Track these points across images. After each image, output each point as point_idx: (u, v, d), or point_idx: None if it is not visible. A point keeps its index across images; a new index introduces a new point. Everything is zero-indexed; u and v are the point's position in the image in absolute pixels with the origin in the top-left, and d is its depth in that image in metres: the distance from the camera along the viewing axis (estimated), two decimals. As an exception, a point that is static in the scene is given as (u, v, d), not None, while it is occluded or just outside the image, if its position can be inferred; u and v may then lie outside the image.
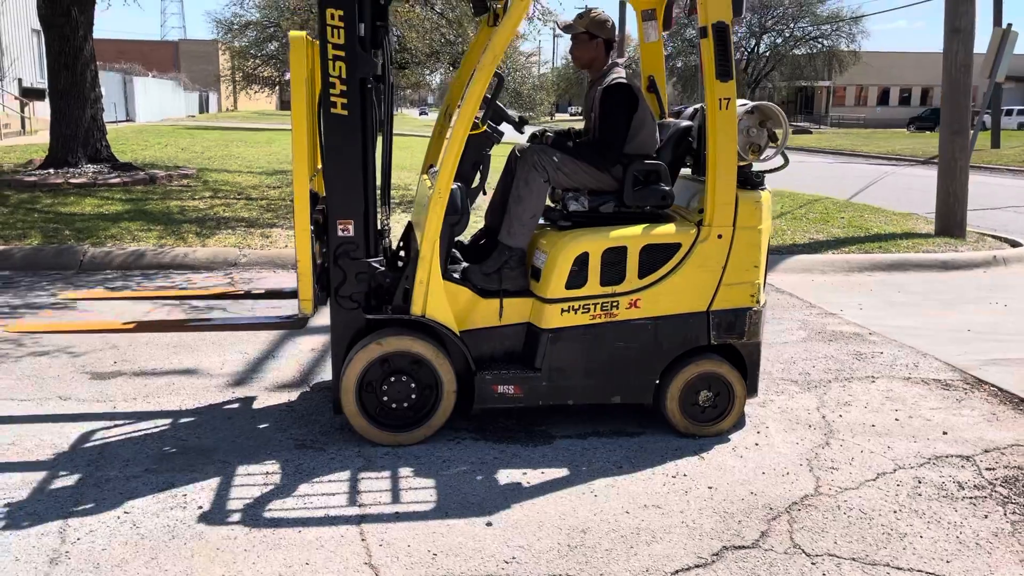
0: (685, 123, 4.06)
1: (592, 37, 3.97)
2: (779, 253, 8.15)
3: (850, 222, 10.04)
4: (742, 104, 3.83)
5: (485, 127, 3.80)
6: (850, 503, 3.26)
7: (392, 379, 3.65)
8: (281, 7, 33.14)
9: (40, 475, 3.31)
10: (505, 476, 3.42)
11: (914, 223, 10.26)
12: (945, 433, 3.99)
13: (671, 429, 3.87)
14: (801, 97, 60.76)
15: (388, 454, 3.58)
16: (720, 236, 3.73)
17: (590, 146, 3.91)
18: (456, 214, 3.64)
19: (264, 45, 37.49)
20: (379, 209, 3.85)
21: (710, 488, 3.36)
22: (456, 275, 3.79)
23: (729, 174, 3.67)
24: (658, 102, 4.49)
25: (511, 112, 3.97)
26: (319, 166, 3.81)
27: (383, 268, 3.69)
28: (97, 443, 3.62)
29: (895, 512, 3.20)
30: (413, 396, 3.68)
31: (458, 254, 4.03)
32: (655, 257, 3.74)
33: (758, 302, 3.84)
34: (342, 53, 3.47)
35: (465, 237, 4.34)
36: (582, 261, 3.69)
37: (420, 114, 75.05)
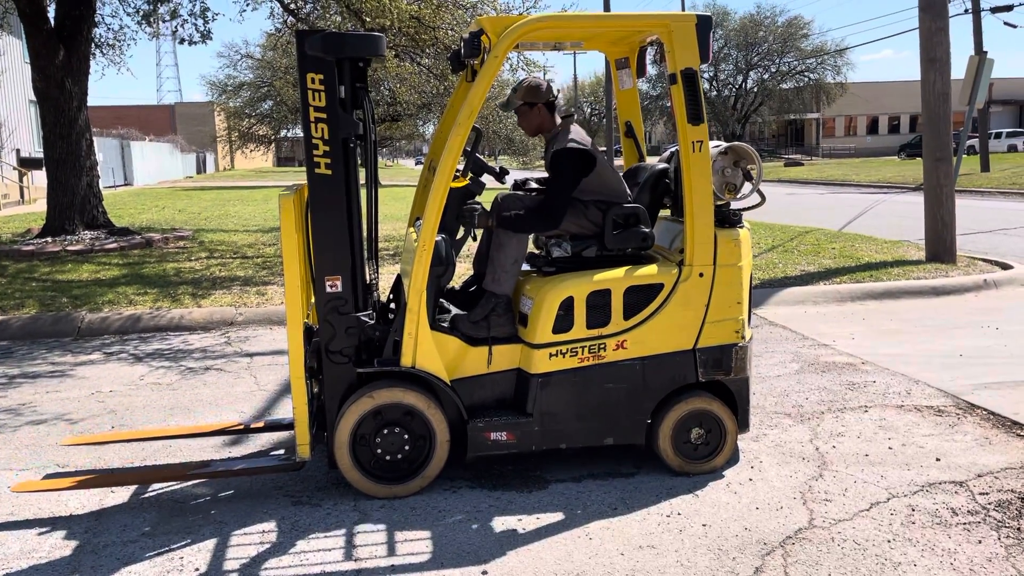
0: (661, 166, 4.15)
1: (531, 105, 4.03)
2: (771, 286, 8.22)
3: (841, 252, 10.12)
4: (716, 145, 3.93)
5: (467, 179, 3.89)
6: (844, 534, 3.27)
7: (385, 431, 3.68)
8: (274, 67, 33.80)
9: (38, 544, 3.33)
10: (500, 523, 3.43)
11: (905, 250, 10.33)
12: (938, 459, 4.01)
13: (666, 468, 3.89)
14: (791, 130, 61.50)
15: (384, 506, 3.60)
16: (701, 275, 3.79)
17: (537, 210, 3.94)
18: (441, 265, 3.71)
19: (258, 104, 38.16)
20: (366, 264, 3.91)
21: (704, 526, 3.37)
22: (444, 324, 3.85)
23: (706, 214, 3.75)
24: (635, 146, 4.59)
25: (491, 163, 4.05)
26: (312, 300, 3.92)
27: (372, 321, 3.75)
28: (95, 509, 3.64)
29: (889, 541, 3.21)
30: (407, 447, 3.71)
31: (447, 303, 4.09)
32: (639, 298, 3.79)
33: (743, 337, 3.89)
34: (324, 115, 3.57)
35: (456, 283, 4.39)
36: (567, 305, 3.74)
37: (416, 164, 76.06)
